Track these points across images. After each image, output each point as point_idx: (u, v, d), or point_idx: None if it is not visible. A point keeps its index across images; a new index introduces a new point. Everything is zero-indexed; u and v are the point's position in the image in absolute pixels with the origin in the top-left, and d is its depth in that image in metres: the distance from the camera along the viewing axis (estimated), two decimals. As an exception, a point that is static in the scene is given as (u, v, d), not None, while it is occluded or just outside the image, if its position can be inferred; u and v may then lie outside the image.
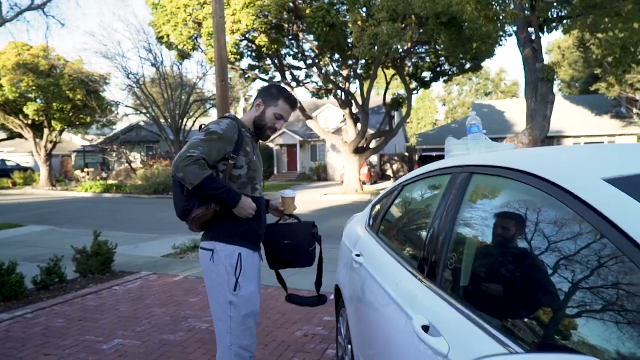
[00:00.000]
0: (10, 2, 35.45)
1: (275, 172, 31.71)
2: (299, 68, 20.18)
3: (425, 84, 20.77)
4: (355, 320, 2.19)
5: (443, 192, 1.65)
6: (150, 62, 21.41)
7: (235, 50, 15.56)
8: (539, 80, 10.78)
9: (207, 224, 2.10)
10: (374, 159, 28.69)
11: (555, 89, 24.58)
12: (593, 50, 24.75)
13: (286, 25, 16.14)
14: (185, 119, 23.01)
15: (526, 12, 10.85)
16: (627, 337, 0.78)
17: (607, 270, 0.87)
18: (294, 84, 19.59)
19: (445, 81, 21.22)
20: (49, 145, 25.22)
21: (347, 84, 19.30)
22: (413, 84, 20.43)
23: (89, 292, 4.88)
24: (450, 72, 19.75)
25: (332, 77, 18.93)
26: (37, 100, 22.91)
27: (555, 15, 11.75)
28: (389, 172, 29.58)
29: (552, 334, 0.95)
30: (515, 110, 31.09)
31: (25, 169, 29.47)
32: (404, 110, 20.49)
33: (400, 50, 15.09)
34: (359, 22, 13.77)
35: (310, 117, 19.70)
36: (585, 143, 24.82)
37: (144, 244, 7.99)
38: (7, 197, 20.51)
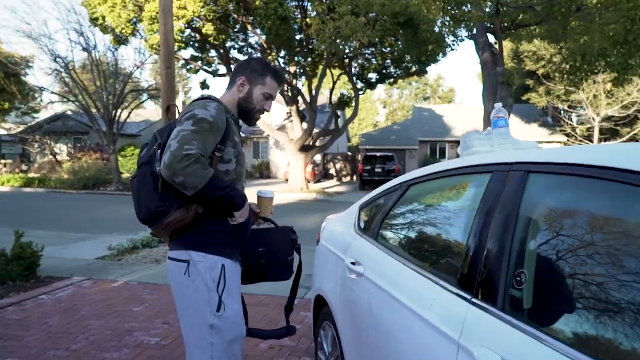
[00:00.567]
0: None
1: (215, 169, 30.68)
2: (244, 62, 19.55)
3: (371, 85, 20.99)
4: (356, 342, 1.87)
5: (483, 193, 1.39)
6: (82, 46, 19.47)
7: (179, 38, 14.68)
8: (498, 84, 11.11)
9: (182, 229, 1.69)
10: (317, 157, 28.60)
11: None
12: (526, 62, 26.40)
13: (235, 16, 15.50)
14: (119, 110, 21.39)
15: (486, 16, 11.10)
16: None
17: None
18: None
19: (390, 83, 21.58)
20: (-42, 133, 22.62)
21: (294, 80, 18.98)
22: (359, 85, 20.53)
23: (9, 302, 4.16)
24: (395, 75, 20.09)
25: (279, 73, 18.49)
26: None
27: (515, 21, 12.15)
28: (332, 171, 29.66)
29: None
30: (453, 116, 32.54)
31: None
32: (347, 110, 20.54)
33: (358, 46, 15.03)
34: (319, 14, 13.52)
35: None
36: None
37: (74, 244, 7.15)
38: None
